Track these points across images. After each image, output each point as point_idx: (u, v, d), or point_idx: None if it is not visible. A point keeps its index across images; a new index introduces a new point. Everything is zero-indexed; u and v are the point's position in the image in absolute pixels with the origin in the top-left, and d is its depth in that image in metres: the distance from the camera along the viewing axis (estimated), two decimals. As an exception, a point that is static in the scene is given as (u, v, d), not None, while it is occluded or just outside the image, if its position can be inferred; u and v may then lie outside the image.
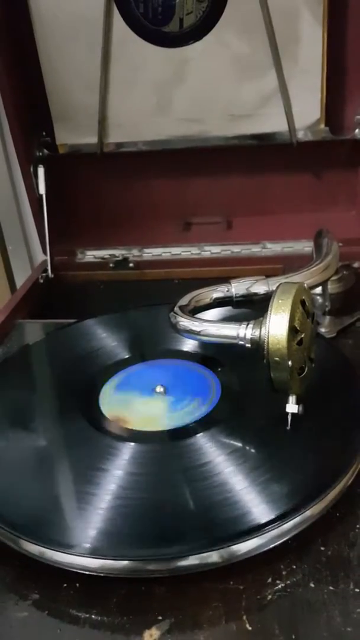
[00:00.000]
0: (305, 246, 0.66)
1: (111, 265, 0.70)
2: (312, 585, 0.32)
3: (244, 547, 0.32)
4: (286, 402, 0.39)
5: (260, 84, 0.61)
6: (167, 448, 0.40)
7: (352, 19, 0.59)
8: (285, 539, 0.33)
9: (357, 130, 0.64)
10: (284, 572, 0.33)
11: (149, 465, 0.38)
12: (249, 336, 0.39)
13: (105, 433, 0.41)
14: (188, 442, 0.39)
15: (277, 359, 0.37)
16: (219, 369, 0.47)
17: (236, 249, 0.69)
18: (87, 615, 0.31)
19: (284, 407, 0.39)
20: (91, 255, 0.71)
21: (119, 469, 0.38)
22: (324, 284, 0.52)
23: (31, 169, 0.66)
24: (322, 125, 0.63)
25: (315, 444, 0.39)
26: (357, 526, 0.35)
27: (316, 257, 0.51)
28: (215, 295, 0.47)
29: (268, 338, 0.37)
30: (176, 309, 0.45)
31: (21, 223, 0.82)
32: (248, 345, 0.40)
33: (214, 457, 0.38)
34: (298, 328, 0.38)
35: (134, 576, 0.32)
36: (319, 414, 0.40)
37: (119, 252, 0.71)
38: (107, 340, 0.53)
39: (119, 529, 0.34)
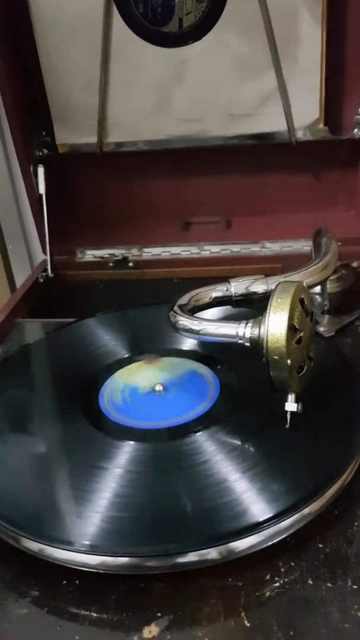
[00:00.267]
0: (304, 245, 0.66)
1: (111, 264, 0.70)
2: (310, 582, 0.32)
3: (243, 544, 0.33)
4: (285, 400, 0.39)
5: (259, 83, 0.62)
6: (166, 446, 0.40)
7: (351, 18, 0.60)
8: (283, 536, 0.33)
9: (356, 130, 0.64)
10: (282, 569, 0.33)
11: (148, 464, 0.38)
12: (248, 335, 0.40)
13: (104, 432, 0.41)
14: (187, 441, 0.40)
15: (276, 357, 0.37)
16: (218, 368, 0.47)
17: (235, 249, 0.70)
18: (87, 612, 0.32)
19: (283, 406, 0.39)
20: (91, 254, 0.71)
21: (118, 467, 0.38)
22: (322, 283, 0.52)
23: (31, 169, 0.66)
24: (321, 125, 0.63)
25: (314, 442, 0.39)
26: (355, 524, 0.35)
27: (315, 257, 0.51)
28: (215, 294, 0.47)
29: (267, 337, 0.37)
30: (175, 308, 0.45)
31: (21, 222, 0.82)
32: (247, 344, 0.40)
33: (213, 455, 0.38)
34: (297, 327, 0.38)
35: (133, 573, 0.33)
36: (317, 412, 0.40)
37: (118, 252, 0.71)
38: (107, 339, 0.53)
39: (118, 526, 0.34)
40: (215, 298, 0.47)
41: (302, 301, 0.39)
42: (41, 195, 0.66)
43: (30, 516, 0.35)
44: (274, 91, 0.61)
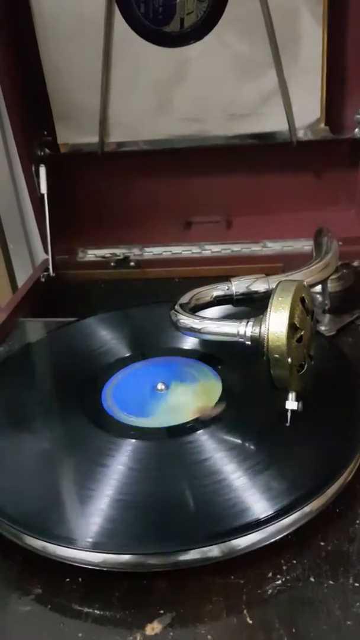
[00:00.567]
0: (305, 245, 0.67)
1: (112, 264, 0.70)
2: (312, 579, 0.32)
3: (245, 541, 0.33)
4: (286, 398, 0.39)
5: (260, 83, 0.62)
6: (168, 445, 0.40)
7: (352, 18, 0.60)
8: (285, 534, 0.34)
9: (357, 130, 0.64)
10: (284, 567, 0.33)
11: (150, 462, 0.39)
12: (249, 334, 0.40)
13: (106, 430, 0.42)
14: (189, 439, 0.40)
15: (276, 356, 0.37)
16: (219, 367, 0.48)
17: (236, 248, 0.70)
18: (90, 610, 0.32)
19: (284, 404, 0.39)
20: (92, 254, 0.71)
21: (120, 465, 0.38)
22: (323, 282, 0.52)
23: (32, 169, 0.66)
24: (322, 125, 0.63)
25: (315, 440, 0.39)
26: (357, 522, 0.35)
27: (316, 256, 0.51)
28: (216, 293, 0.47)
29: (268, 335, 0.37)
30: (177, 307, 0.45)
31: (22, 222, 0.82)
32: (248, 342, 0.40)
33: (215, 453, 0.38)
34: (298, 325, 0.38)
35: (136, 570, 0.33)
36: (318, 410, 0.41)
37: (119, 251, 0.71)
38: (108, 338, 0.53)
39: (121, 524, 0.34)
40: (217, 297, 0.47)
41: (302, 300, 0.39)
42: (43, 194, 0.66)
43: (33, 514, 0.35)
44: (275, 91, 0.62)
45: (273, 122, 0.63)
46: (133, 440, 0.40)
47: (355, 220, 0.69)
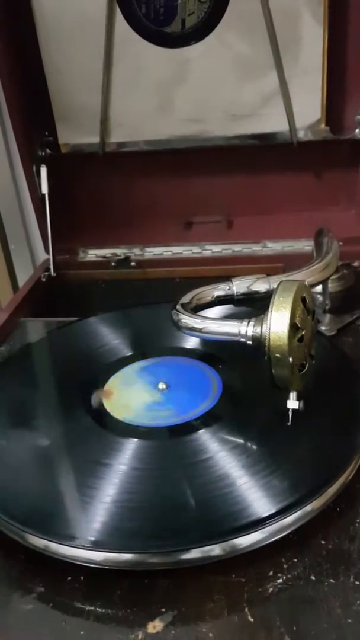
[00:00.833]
0: (306, 245, 0.67)
1: (113, 264, 0.71)
2: (312, 578, 0.32)
3: (246, 540, 0.33)
4: (287, 398, 0.39)
5: (261, 84, 0.62)
6: (169, 444, 0.41)
7: (353, 19, 0.60)
8: (286, 532, 0.34)
9: (357, 130, 0.64)
10: (285, 566, 0.33)
11: (152, 461, 0.39)
12: (250, 333, 0.40)
13: (108, 429, 0.42)
14: (190, 438, 0.40)
15: (278, 355, 0.37)
16: (220, 366, 0.48)
17: (237, 248, 0.70)
18: (92, 608, 0.32)
19: (285, 403, 0.39)
20: (93, 254, 0.72)
21: (122, 464, 0.38)
22: (324, 282, 0.52)
23: (34, 169, 0.66)
24: (323, 125, 0.63)
25: (316, 439, 0.39)
26: (357, 521, 0.35)
27: (316, 256, 0.51)
28: (217, 293, 0.47)
29: (269, 335, 0.37)
30: (178, 306, 0.45)
31: (23, 222, 0.82)
32: (249, 342, 0.40)
33: (216, 453, 0.38)
34: (299, 325, 0.38)
35: (138, 569, 0.33)
36: (319, 410, 0.41)
37: (120, 251, 0.71)
38: (109, 338, 0.54)
39: (123, 523, 0.34)
40: (218, 297, 0.48)
41: (303, 300, 0.39)
42: (44, 195, 0.67)
43: (35, 513, 0.35)
44: (276, 91, 0.62)
45: (274, 122, 0.63)
46: (134, 439, 0.40)
47: (356, 220, 0.69)
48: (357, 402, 0.42)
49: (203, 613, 0.31)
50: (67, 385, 0.48)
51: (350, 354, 0.49)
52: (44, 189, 0.66)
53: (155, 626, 0.31)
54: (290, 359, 0.37)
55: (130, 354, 0.51)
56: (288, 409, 0.39)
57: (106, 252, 0.71)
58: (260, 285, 0.46)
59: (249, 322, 0.40)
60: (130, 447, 0.40)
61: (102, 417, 0.43)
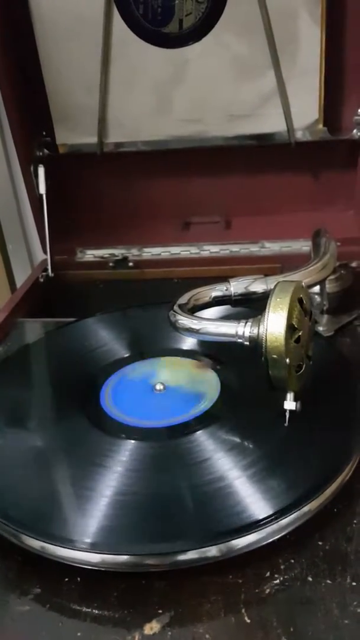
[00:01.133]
0: (304, 245, 0.67)
1: (111, 264, 0.70)
2: (309, 579, 0.32)
3: (243, 541, 0.33)
4: (284, 399, 0.39)
5: (259, 84, 0.62)
6: (166, 445, 0.40)
7: (350, 19, 0.60)
8: (283, 533, 0.34)
9: (355, 131, 0.64)
10: (282, 567, 0.33)
11: (149, 462, 0.39)
12: (247, 334, 0.40)
13: (105, 430, 0.42)
14: (187, 439, 0.40)
15: (275, 356, 0.37)
16: (218, 367, 0.48)
17: (235, 249, 0.70)
18: (88, 609, 0.32)
19: (282, 404, 0.39)
20: (91, 254, 0.72)
21: (119, 465, 0.38)
22: (321, 282, 0.52)
23: (31, 169, 0.66)
24: (321, 126, 0.63)
25: (313, 440, 0.39)
26: (355, 521, 0.35)
27: (314, 257, 0.51)
28: (214, 294, 0.47)
29: (266, 336, 0.37)
30: (175, 307, 0.45)
31: (21, 222, 0.82)
32: (246, 343, 0.40)
33: (213, 454, 0.38)
34: (296, 326, 0.38)
35: (134, 570, 0.33)
36: (316, 411, 0.41)
37: (118, 252, 0.71)
38: (107, 338, 0.54)
39: (120, 524, 0.34)
40: (215, 297, 0.47)
41: (300, 301, 0.39)
42: (41, 195, 0.67)
43: (32, 514, 0.35)
44: (274, 92, 0.62)
45: (271, 123, 0.63)
46: (131, 441, 0.40)
47: (354, 221, 0.69)
48: (354, 403, 0.42)
49: (200, 614, 0.31)
50: (64, 386, 0.48)
51: (348, 354, 0.49)
52: (42, 189, 0.66)
53: (152, 627, 0.31)
54: (287, 360, 0.37)
55: (128, 354, 0.51)
56: (285, 410, 0.39)
57: (104, 252, 0.71)
58: (258, 286, 0.46)
59: (246, 323, 0.40)
60: (127, 448, 0.40)
61: (99, 418, 0.43)
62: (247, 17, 0.58)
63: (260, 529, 0.33)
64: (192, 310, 0.46)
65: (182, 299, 0.47)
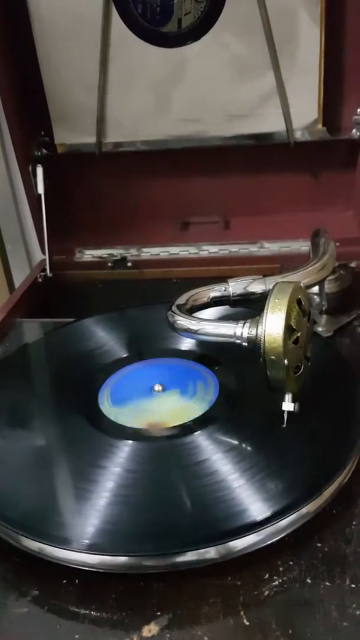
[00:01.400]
0: (303, 246, 0.67)
1: (109, 264, 0.70)
2: (308, 581, 0.32)
3: (242, 543, 0.33)
4: (282, 400, 0.39)
5: (258, 84, 0.62)
6: (164, 446, 0.40)
7: (350, 19, 0.60)
8: (282, 535, 0.34)
9: (354, 131, 0.64)
10: (281, 568, 0.33)
11: (147, 463, 0.39)
12: (245, 335, 0.40)
13: (103, 431, 0.42)
14: (186, 440, 0.40)
15: (273, 357, 0.37)
16: (216, 368, 0.48)
17: (234, 249, 0.70)
18: (87, 611, 0.32)
19: (280, 405, 0.39)
20: (89, 254, 0.71)
21: (117, 466, 0.38)
22: (320, 283, 0.52)
23: (30, 169, 0.66)
24: (320, 126, 0.63)
25: (312, 441, 0.39)
26: (354, 523, 0.35)
27: (313, 257, 0.51)
28: (213, 294, 0.47)
29: (264, 337, 0.37)
30: (174, 308, 0.45)
31: (20, 222, 0.82)
32: (245, 343, 0.40)
33: (212, 455, 0.38)
34: (294, 327, 0.38)
35: (133, 572, 0.33)
36: (315, 412, 0.41)
37: (117, 252, 0.71)
38: (105, 339, 0.53)
39: (118, 526, 0.34)
40: (214, 298, 0.47)
41: (299, 301, 0.39)
42: (40, 195, 0.66)
43: (30, 516, 0.35)
44: (273, 92, 0.62)
45: (271, 122, 0.63)
46: (130, 442, 0.40)
47: (353, 221, 0.69)
48: (353, 404, 0.42)
49: (198, 616, 0.31)
50: (63, 387, 0.48)
51: (347, 355, 0.49)
52: (40, 189, 0.66)
53: (150, 630, 0.30)
54: (286, 361, 0.37)
55: (126, 355, 0.51)
56: (283, 411, 0.39)
57: (103, 252, 0.71)
58: (257, 286, 0.46)
59: (244, 323, 0.40)
60: (125, 449, 0.39)
61: (97, 419, 0.43)
62: (246, 17, 0.58)
63: (259, 531, 0.33)
64: (191, 310, 0.46)
65: (181, 300, 0.47)
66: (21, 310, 0.63)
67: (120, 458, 0.39)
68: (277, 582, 0.32)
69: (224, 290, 0.47)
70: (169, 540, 0.33)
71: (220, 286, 0.47)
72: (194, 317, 0.44)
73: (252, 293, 0.46)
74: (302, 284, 0.41)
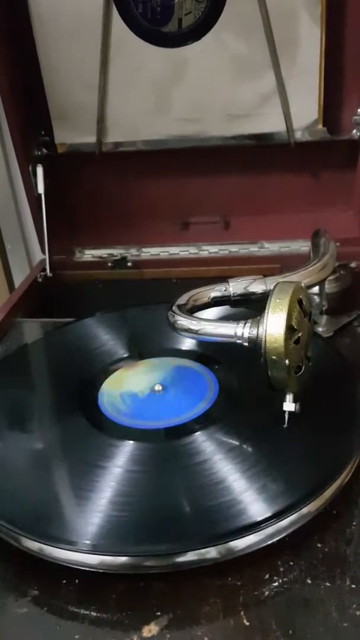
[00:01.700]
0: (303, 246, 0.67)
1: (109, 264, 0.70)
2: (308, 581, 0.32)
3: (242, 543, 0.33)
4: (283, 400, 0.39)
5: (258, 84, 0.62)
6: (165, 446, 0.40)
7: (350, 20, 0.60)
8: (282, 535, 0.34)
9: (354, 131, 0.64)
10: (281, 569, 0.33)
11: (148, 463, 0.38)
12: (246, 335, 0.40)
13: (104, 431, 0.42)
14: (186, 440, 0.40)
15: (274, 357, 0.37)
16: (217, 368, 0.48)
17: (234, 249, 0.70)
18: (87, 612, 0.32)
19: (281, 406, 0.39)
20: (90, 254, 0.71)
21: (117, 466, 0.38)
22: (321, 283, 0.52)
23: (30, 168, 0.66)
24: (320, 126, 0.63)
25: (312, 442, 0.39)
26: (354, 523, 0.35)
27: (313, 257, 0.51)
28: (213, 294, 0.47)
29: (265, 337, 0.37)
30: (174, 308, 0.45)
31: (20, 222, 0.82)
32: (246, 344, 0.40)
33: (212, 455, 0.38)
34: (295, 327, 0.38)
35: (133, 572, 0.33)
36: (315, 412, 0.41)
37: (117, 252, 0.71)
38: (106, 339, 0.53)
39: (118, 526, 0.34)
40: (214, 298, 0.47)
41: (300, 301, 0.39)
42: (40, 194, 0.66)
43: (30, 516, 0.35)
44: (273, 92, 0.62)
45: (271, 123, 0.63)
46: (130, 442, 0.40)
47: (353, 221, 0.69)
48: (353, 404, 0.42)
49: (198, 616, 0.31)
50: (63, 387, 0.48)
51: (348, 355, 0.49)
52: (40, 188, 0.66)
53: (150, 630, 0.30)
54: (287, 361, 0.37)
55: (126, 355, 0.51)
56: (284, 411, 0.39)
57: (103, 252, 0.71)
58: (257, 287, 0.46)
59: (245, 323, 0.40)
60: (126, 449, 0.39)
61: (98, 419, 0.43)
62: (246, 17, 0.58)
63: (259, 531, 0.33)
64: (191, 310, 0.46)
65: (181, 300, 0.46)
66: (21, 310, 0.63)
67: (121, 458, 0.39)
68: (277, 583, 0.32)
69: (225, 290, 0.47)
70: (169, 540, 0.33)
71: (220, 286, 0.47)
72: (194, 317, 0.44)
73: (253, 293, 0.46)
74: (302, 284, 0.41)
